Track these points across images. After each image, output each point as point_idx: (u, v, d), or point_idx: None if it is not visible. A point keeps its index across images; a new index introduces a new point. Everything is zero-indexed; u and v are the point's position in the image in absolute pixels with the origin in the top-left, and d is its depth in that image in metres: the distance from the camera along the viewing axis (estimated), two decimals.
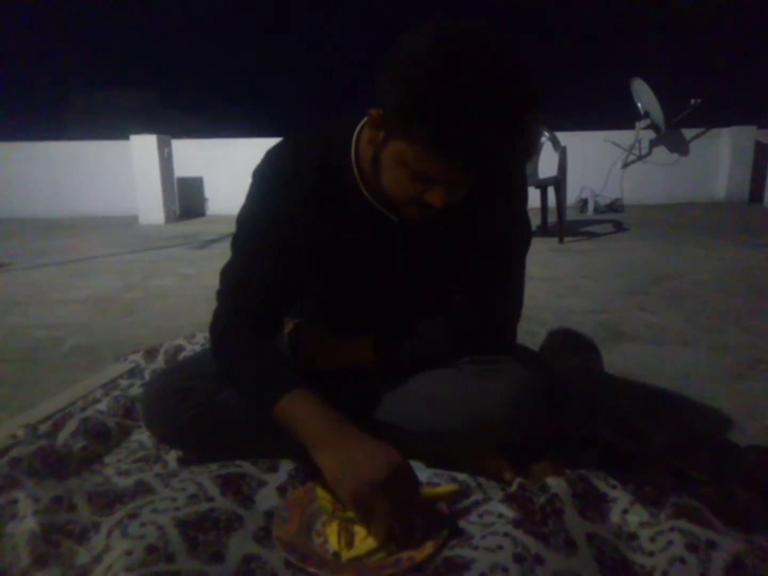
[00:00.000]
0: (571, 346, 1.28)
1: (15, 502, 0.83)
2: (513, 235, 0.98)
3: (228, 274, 0.94)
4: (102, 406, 1.24)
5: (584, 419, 1.11)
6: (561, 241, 4.12)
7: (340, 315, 1.05)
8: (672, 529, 0.79)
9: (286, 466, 0.99)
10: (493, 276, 0.97)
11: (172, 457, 1.06)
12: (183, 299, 2.56)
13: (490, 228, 0.94)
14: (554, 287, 2.71)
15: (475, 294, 0.98)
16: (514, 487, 0.93)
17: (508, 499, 0.90)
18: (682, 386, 1.44)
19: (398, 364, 0.99)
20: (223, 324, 0.93)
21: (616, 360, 1.61)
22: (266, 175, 0.91)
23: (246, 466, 0.97)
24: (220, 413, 0.95)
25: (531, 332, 1.92)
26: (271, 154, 0.92)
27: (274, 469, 0.99)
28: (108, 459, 1.07)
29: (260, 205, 0.91)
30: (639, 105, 6.81)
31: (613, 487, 0.91)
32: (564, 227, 4.18)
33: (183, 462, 1.04)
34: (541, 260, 3.45)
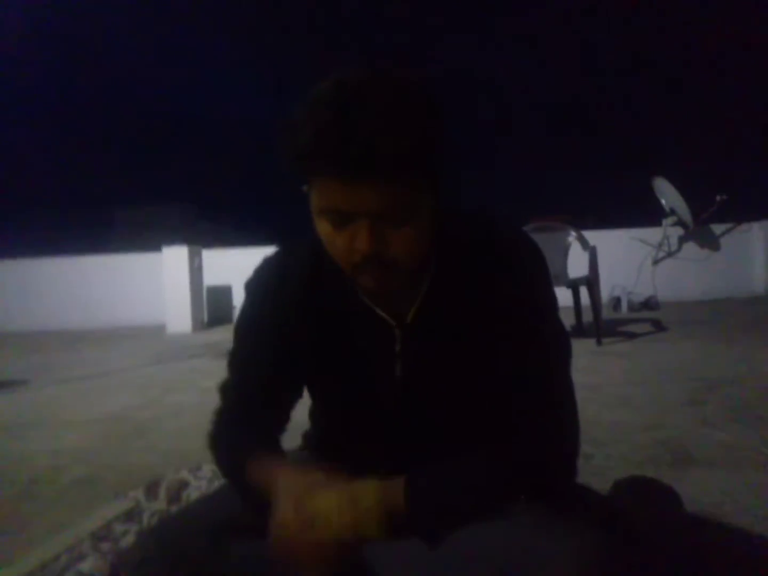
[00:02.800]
0: (644, 493, 1.07)
1: None
2: (545, 340, 0.79)
3: (225, 389, 0.89)
4: (86, 565, 1.05)
5: None
6: (599, 342, 3.91)
7: (351, 445, 0.90)
8: None
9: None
10: (532, 393, 0.78)
11: None
12: (199, 417, 2.37)
13: (510, 330, 0.77)
14: (600, 397, 2.47)
15: (516, 419, 0.79)
16: None
17: None
18: None
19: (436, 516, 0.80)
20: (219, 426, 0.88)
21: (688, 490, 1.36)
22: (254, 287, 0.88)
23: None
24: None
25: (584, 455, 1.68)
26: (260, 265, 0.89)
27: None
28: None
29: (250, 317, 0.88)
30: (663, 202, 6.82)
31: None
32: (601, 328, 3.99)
33: None
34: (581, 365, 3.23)
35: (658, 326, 4.79)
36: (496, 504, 0.79)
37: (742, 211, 7.28)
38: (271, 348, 0.85)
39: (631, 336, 4.33)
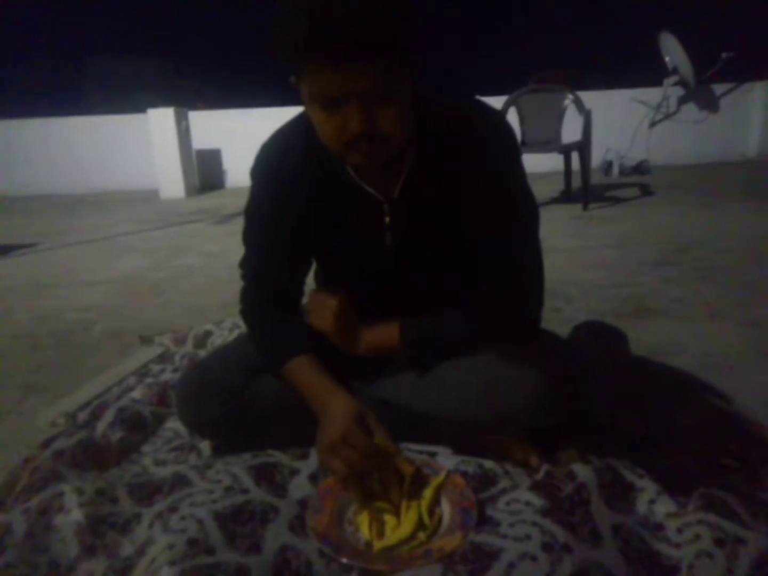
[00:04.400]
0: (597, 334, 1.28)
1: (61, 494, 0.87)
2: (514, 209, 0.92)
3: (245, 266, 1.05)
4: (136, 393, 1.28)
5: (609, 406, 1.11)
6: (585, 207, 4.04)
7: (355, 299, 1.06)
8: (700, 522, 0.80)
9: (317, 454, 1.02)
10: (503, 256, 0.94)
11: (205, 445, 1.10)
12: (208, 279, 2.59)
13: (484, 202, 0.90)
14: (578, 259, 2.67)
15: (488, 278, 0.95)
16: (541, 475, 0.94)
17: (536, 487, 0.91)
18: (709, 365, 1.42)
19: (423, 352, 1.00)
20: (248, 304, 1.05)
21: (641, 337, 1.59)
22: (258, 174, 0.98)
23: (278, 455, 1.00)
24: (251, 407, 0.98)
25: (555, 308, 1.91)
26: (260, 152, 0.98)
27: (305, 456, 1.01)
28: (145, 448, 1.11)
29: (257, 202, 0.99)
30: (667, 60, 6.54)
31: (640, 476, 0.92)
32: (588, 193, 4.10)
33: (216, 451, 1.08)
34: (565, 229, 3.39)
35: (646, 191, 4.90)
36: (471, 342, 0.98)
37: (746, 71, 7.01)
38: (276, 226, 0.98)
39: (618, 201, 4.45)
